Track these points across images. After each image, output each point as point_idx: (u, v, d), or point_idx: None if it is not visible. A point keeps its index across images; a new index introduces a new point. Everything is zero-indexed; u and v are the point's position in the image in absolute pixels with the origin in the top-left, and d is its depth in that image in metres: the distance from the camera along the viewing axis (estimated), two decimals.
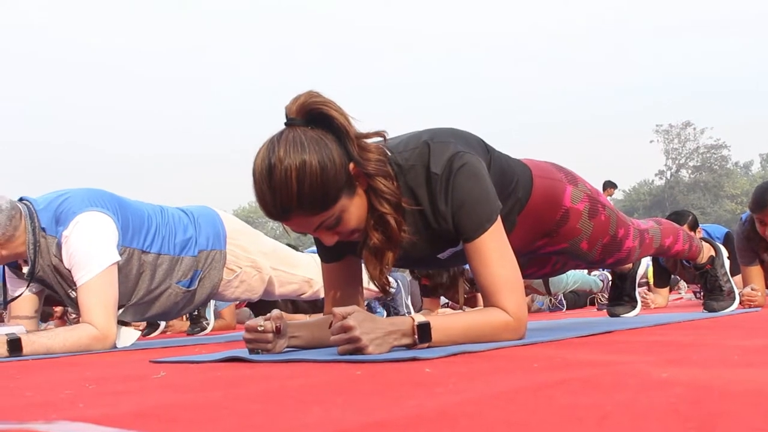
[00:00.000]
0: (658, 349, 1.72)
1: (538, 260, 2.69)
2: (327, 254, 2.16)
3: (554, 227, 2.34)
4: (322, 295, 3.36)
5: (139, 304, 3.13)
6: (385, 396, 1.10)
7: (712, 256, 3.42)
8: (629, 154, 79.30)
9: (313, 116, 1.82)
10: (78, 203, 2.95)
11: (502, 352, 1.73)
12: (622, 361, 1.46)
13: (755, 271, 4.42)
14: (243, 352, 2.03)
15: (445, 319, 1.93)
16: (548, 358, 1.57)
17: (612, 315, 3.41)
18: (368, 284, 2.24)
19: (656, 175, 67.40)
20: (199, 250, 3.26)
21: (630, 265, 3.34)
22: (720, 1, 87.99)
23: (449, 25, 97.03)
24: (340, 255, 2.14)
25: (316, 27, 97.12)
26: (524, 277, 2.14)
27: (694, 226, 5.43)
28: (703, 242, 3.48)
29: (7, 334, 2.66)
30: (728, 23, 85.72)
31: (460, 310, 4.90)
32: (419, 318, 1.81)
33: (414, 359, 1.58)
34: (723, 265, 3.44)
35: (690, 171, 67.14)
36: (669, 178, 66.91)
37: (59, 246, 2.89)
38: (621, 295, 3.45)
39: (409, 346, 1.77)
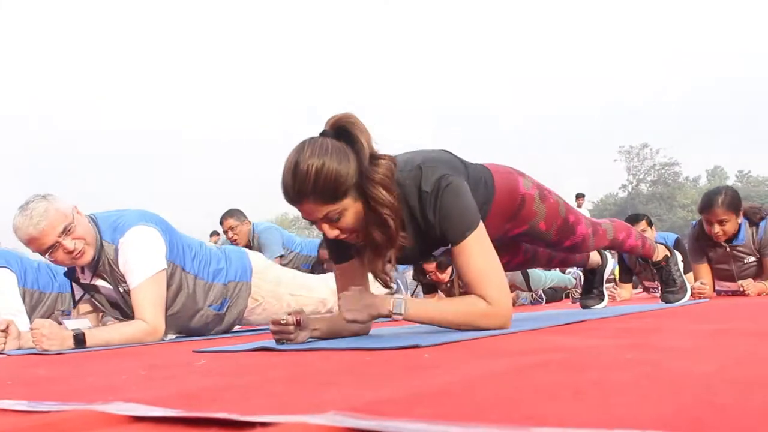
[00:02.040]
0: (624, 335, 1.71)
1: (511, 248, 2.73)
2: (337, 257, 2.19)
3: (516, 211, 2.37)
4: (335, 309, 3.42)
5: (176, 317, 3.11)
6: (390, 377, 1.10)
7: (666, 255, 3.42)
8: (597, 171, 78.96)
9: (342, 131, 1.90)
10: (132, 219, 2.99)
11: (491, 340, 1.73)
12: (592, 345, 1.45)
13: (704, 268, 4.43)
14: (271, 342, 2.03)
15: (422, 300, 2.01)
16: (530, 343, 1.57)
17: (584, 307, 3.40)
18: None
19: (620, 188, 67.71)
20: (229, 280, 3.28)
21: (599, 262, 3.34)
22: (671, 34, 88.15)
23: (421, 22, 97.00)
24: (348, 257, 2.16)
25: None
26: (503, 267, 2.17)
27: (650, 223, 5.51)
28: (659, 245, 3.48)
29: (73, 329, 2.67)
30: (681, 53, 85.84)
31: None
32: (399, 296, 1.98)
33: (416, 347, 1.58)
34: (677, 263, 3.43)
35: (648, 185, 67.36)
36: (630, 191, 67.06)
37: (116, 252, 2.91)
38: (591, 289, 3.44)
39: (386, 316, 1.94)
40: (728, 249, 4.31)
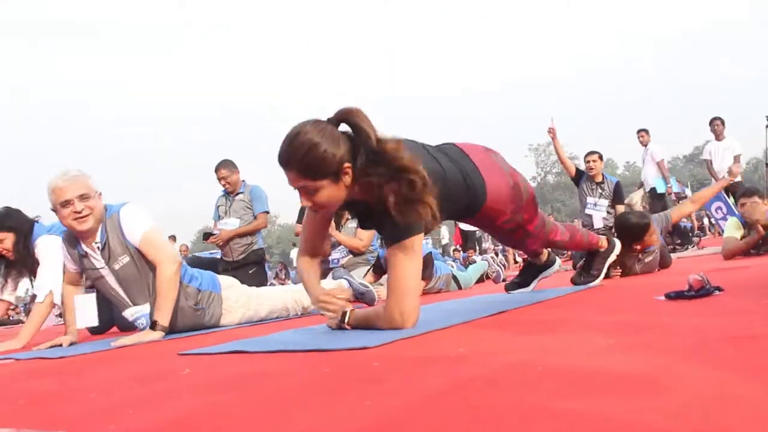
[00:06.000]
0: (538, 329, 1.65)
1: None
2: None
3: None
4: (298, 312, 3.53)
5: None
6: (347, 396, 1.08)
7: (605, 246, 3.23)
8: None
9: (345, 123, 1.92)
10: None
11: (424, 338, 1.72)
12: (510, 350, 1.43)
13: None
14: (242, 344, 2.02)
15: (360, 312, 2.15)
16: (459, 345, 1.53)
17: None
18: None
19: (530, 179, 69.38)
20: (203, 288, 3.24)
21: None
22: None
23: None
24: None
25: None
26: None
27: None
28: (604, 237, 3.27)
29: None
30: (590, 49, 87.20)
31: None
32: (348, 309, 2.14)
33: (364, 348, 1.61)
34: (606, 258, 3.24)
35: (554, 176, 69.07)
36: (540, 181, 68.56)
37: (118, 218, 3.04)
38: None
39: (340, 324, 2.14)
40: None
